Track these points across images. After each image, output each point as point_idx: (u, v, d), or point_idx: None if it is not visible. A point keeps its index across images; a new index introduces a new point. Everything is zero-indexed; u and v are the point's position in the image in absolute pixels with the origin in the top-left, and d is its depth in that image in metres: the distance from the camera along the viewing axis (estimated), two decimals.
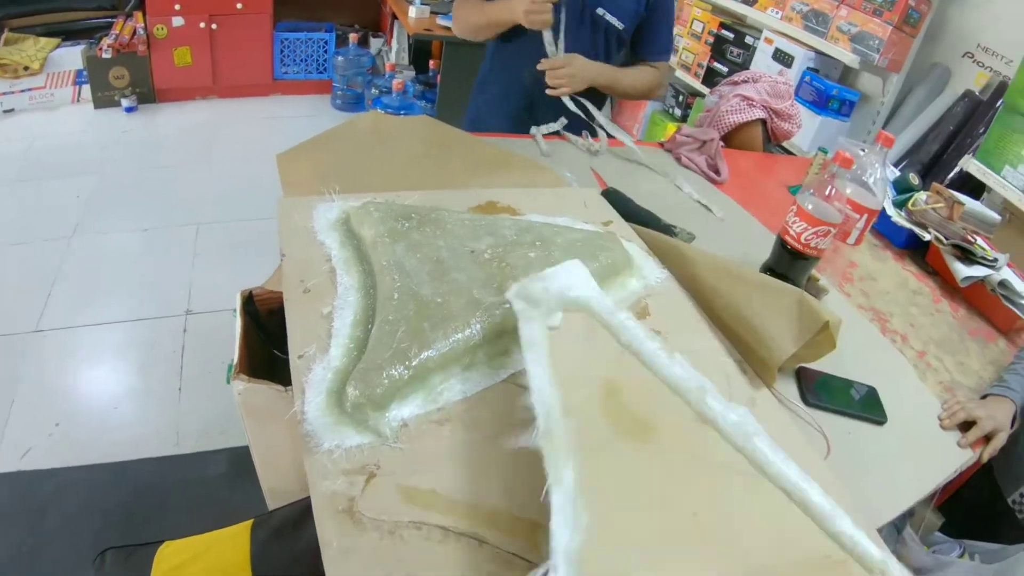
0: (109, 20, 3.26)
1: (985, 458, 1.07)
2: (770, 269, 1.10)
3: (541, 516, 0.55)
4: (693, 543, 0.63)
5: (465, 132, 1.42)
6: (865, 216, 1.18)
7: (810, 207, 1.04)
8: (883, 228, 1.50)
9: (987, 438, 1.09)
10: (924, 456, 1.00)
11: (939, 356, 1.21)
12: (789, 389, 0.97)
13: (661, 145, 1.63)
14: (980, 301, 1.41)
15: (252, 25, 3.39)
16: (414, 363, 0.72)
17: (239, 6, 3.26)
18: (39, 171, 2.83)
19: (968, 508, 1.28)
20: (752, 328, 0.93)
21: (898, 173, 1.54)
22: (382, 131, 1.32)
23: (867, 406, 0.99)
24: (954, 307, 1.39)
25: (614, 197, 1.17)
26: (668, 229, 1.12)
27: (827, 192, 1.04)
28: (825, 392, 0.97)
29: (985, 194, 1.92)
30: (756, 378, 0.92)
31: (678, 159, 1.52)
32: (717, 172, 1.48)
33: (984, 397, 1.14)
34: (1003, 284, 1.37)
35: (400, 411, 0.70)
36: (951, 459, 1.02)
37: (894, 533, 1.17)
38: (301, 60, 3.80)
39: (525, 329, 0.69)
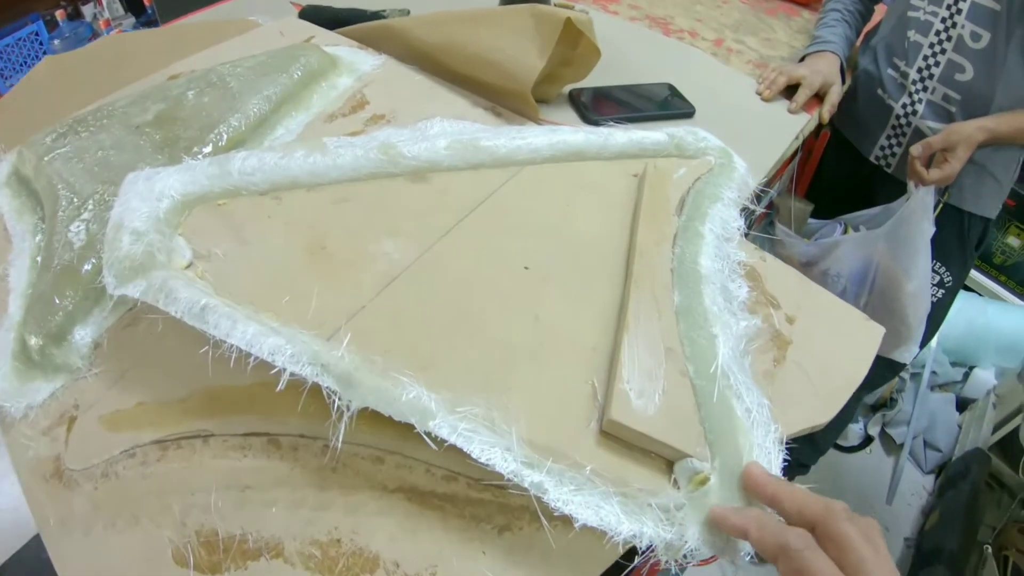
0: None
1: (825, 117, 0.89)
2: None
3: (263, 377, 0.41)
4: (526, 282, 0.50)
5: (155, 28, 1.11)
6: None
7: None
8: None
9: (820, 98, 0.91)
10: (752, 135, 0.80)
11: (739, 39, 1.02)
12: (568, 117, 0.75)
13: None
14: None
15: None
16: (83, 274, 0.52)
17: None
18: None
19: (834, 184, 1.11)
20: (491, 64, 0.70)
21: None
22: (63, 71, 1.02)
23: (664, 103, 0.78)
24: None
25: (312, 12, 0.90)
26: (376, 15, 0.87)
27: None
28: (610, 104, 0.76)
29: None
30: (517, 117, 0.69)
31: None
32: None
33: (802, 60, 0.96)
34: None
35: (85, 332, 0.52)
36: (785, 129, 0.84)
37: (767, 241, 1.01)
38: (21, 64, 3.26)
39: (172, 307, 0.45)
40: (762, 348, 0.50)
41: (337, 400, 0.40)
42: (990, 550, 1.11)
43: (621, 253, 0.52)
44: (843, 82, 0.95)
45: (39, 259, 0.57)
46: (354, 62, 0.77)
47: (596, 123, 0.72)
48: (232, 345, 0.41)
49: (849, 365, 0.52)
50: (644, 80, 0.82)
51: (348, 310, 0.47)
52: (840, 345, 0.53)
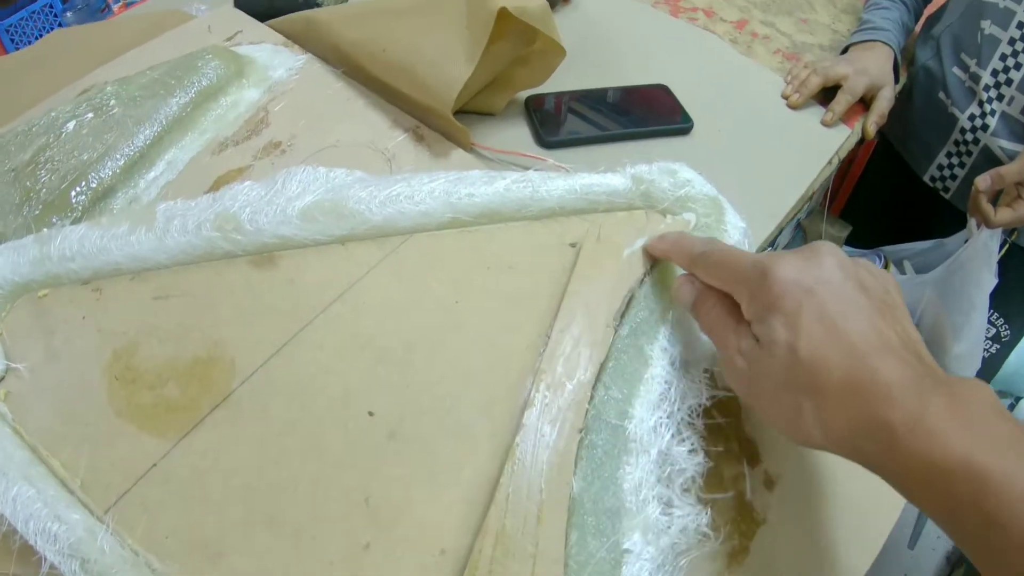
0: None
1: (871, 131, 0.66)
2: None
3: None
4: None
5: (99, 23, 0.94)
6: None
7: None
8: None
9: (865, 104, 0.67)
10: (769, 157, 0.59)
11: (768, 20, 0.78)
12: (520, 137, 0.55)
13: None
14: None
15: None
16: None
17: None
18: None
19: (877, 204, 0.87)
20: (408, 73, 0.50)
21: None
22: (5, 76, 0.87)
23: (651, 115, 0.57)
24: None
25: (247, 1, 0.71)
26: (310, 3, 0.67)
27: None
28: (575, 117, 0.55)
29: None
30: (442, 142, 0.50)
31: None
32: None
33: (845, 51, 0.72)
34: None
35: None
36: (818, 148, 0.61)
37: None
38: (35, 37, 3.06)
39: None
40: (713, 553, 0.32)
41: None
42: None
43: (522, 390, 0.34)
44: (896, 81, 0.71)
45: None
46: (268, 67, 0.59)
47: (550, 145, 0.53)
48: None
49: (851, 551, 0.34)
50: (635, 80, 0.61)
51: (136, 469, 0.32)
52: (840, 519, 0.34)
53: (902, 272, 0.74)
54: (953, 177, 0.75)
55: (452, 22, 0.49)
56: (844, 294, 0.28)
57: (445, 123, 0.48)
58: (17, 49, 2.71)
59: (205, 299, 0.38)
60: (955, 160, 0.74)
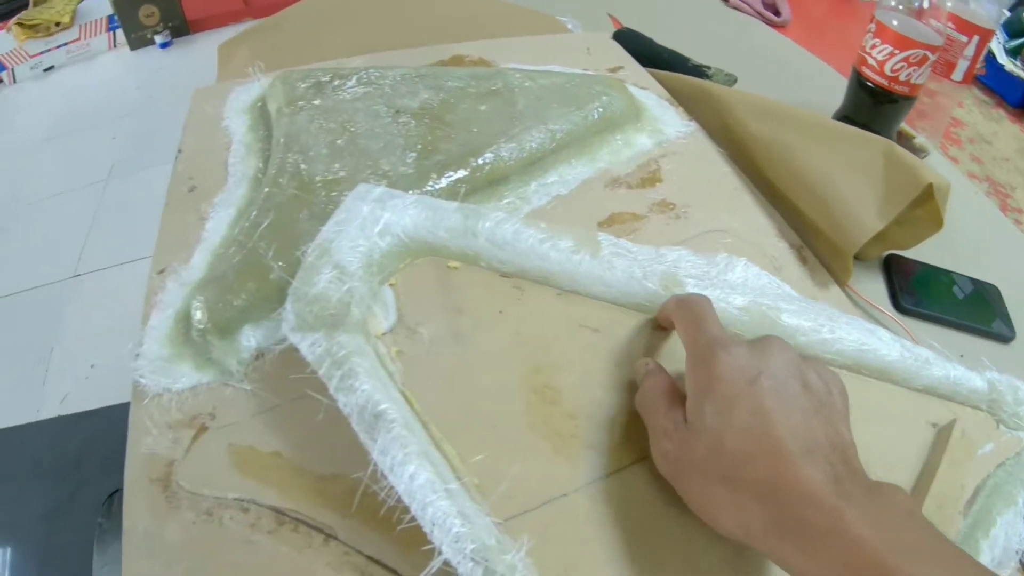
0: None
1: None
2: (845, 119, 0.69)
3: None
4: None
5: None
6: (976, 38, 0.71)
7: (895, 23, 0.61)
8: (993, 82, 1.02)
9: None
10: None
11: None
12: (875, 286, 0.59)
13: None
14: None
15: None
16: (271, 274, 0.42)
17: None
18: (80, 122, 2.45)
19: None
20: (816, 199, 0.55)
21: (1008, 14, 1.04)
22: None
23: (986, 314, 0.59)
24: None
25: (629, 38, 0.77)
26: (699, 70, 0.72)
27: (917, 5, 0.61)
28: (927, 291, 0.58)
29: None
30: (822, 271, 0.54)
31: (725, 1, 1.05)
32: (776, 12, 1.01)
33: None
34: None
35: (253, 336, 0.41)
36: None
37: None
38: None
39: (343, 396, 0.34)
40: None
41: None
42: None
43: None
44: None
45: (240, 222, 0.48)
46: (659, 119, 0.64)
47: (904, 309, 0.56)
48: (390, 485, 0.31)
49: None
50: (967, 268, 0.63)
51: (545, 492, 0.35)
52: None
53: None
54: None
55: (869, 169, 0.53)
56: (784, 390, 0.29)
57: (836, 258, 0.52)
58: None
59: (632, 349, 0.42)
60: None
